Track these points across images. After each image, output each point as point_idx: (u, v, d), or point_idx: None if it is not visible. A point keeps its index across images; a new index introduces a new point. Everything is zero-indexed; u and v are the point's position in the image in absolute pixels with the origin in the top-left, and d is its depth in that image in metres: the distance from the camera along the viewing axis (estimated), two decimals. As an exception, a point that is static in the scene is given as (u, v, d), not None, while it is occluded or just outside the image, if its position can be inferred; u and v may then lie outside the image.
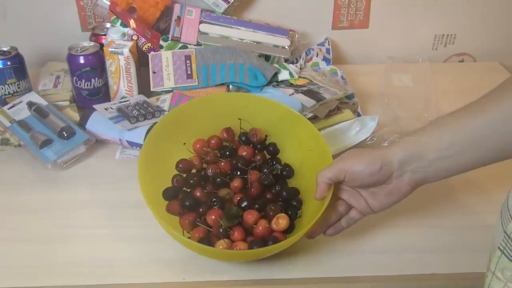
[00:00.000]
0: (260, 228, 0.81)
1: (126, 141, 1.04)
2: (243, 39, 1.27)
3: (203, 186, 0.90)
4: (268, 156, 0.97)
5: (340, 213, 0.80)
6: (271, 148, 0.97)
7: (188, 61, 1.18)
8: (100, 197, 0.98)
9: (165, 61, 1.16)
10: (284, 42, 1.31)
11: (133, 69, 1.11)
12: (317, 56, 1.36)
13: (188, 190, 0.90)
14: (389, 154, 0.72)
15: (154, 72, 1.14)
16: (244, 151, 0.95)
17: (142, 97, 1.11)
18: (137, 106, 1.05)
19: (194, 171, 0.93)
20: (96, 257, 0.86)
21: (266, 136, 0.96)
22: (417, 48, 1.49)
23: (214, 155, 0.95)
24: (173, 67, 1.14)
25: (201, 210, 0.85)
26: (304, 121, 0.93)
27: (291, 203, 0.90)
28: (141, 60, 1.16)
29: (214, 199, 0.85)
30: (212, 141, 0.95)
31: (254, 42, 1.27)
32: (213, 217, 0.82)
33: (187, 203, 0.85)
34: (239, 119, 0.94)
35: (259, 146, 0.97)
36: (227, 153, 0.95)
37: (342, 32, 1.46)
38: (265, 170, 0.90)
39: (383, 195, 0.75)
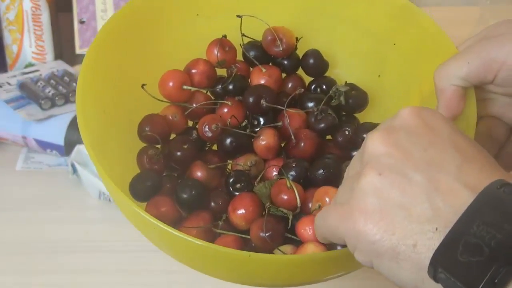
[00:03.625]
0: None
1: (35, 140, 0.86)
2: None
3: (202, 159, 0.59)
4: (308, 79, 0.67)
5: (498, 140, 0.60)
6: (311, 61, 0.65)
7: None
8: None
9: (101, 3, 1.02)
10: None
11: (45, 17, 0.96)
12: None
13: (175, 175, 0.59)
14: None
15: (82, 22, 0.99)
16: (263, 76, 0.63)
17: (61, 65, 0.95)
18: (52, 81, 0.90)
19: (173, 136, 0.62)
20: None
21: (297, 40, 0.65)
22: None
23: (205, 98, 0.63)
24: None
25: (213, 204, 0.57)
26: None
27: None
28: (59, 1, 0.99)
29: (232, 179, 0.57)
30: (195, 70, 0.63)
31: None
32: (244, 211, 0.53)
33: (186, 196, 0.55)
34: (238, 16, 0.62)
35: (286, 62, 0.65)
36: (231, 87, 0.62)
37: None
38: (310, 105, 0.60)
39: None
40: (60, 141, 0.81)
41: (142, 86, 0.58)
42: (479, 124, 0.57)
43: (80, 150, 0.76)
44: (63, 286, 0.69)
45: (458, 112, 0.53)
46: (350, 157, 0.59)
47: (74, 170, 0.75)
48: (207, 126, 0.58)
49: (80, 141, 0.77)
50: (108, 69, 0.58)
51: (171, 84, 0.60)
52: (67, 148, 0.77)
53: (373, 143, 0.38)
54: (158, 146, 0.58)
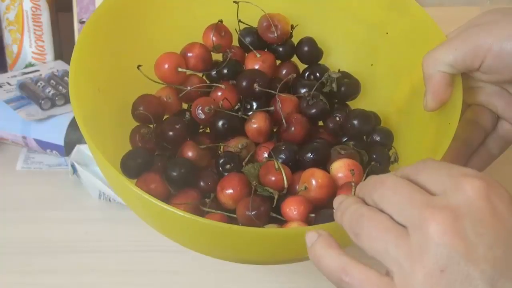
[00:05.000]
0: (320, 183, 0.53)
1: (35, 140, 0.84)
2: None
3: (194, 140, 0.59)
4: (303, 66, 0.67)
5: (484, 127, 0.59)
6: (305, 49, 0.65)
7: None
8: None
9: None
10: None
11: (45, 17, 0.94)
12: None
13: (167, 154, 0.59)
14: None
15: (82, 22, 0.96)
16: (257, 61, 0.62)
17: (61, 65, 0.94)
18: (52, 81, 0.88)
19: (166, 116, 0.61)
20: None
21: (292, 27, 0.64)
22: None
23: (200, 81, 0.63)
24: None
25: (202, 183, 0.56)
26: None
27: (373, 139, 0.61)
28: (59, 1, 0.98)
29: (223, 159, 0.57)
30: (191, 54, 0.62)
31: None
32: (231, 190, 0.53)
33: (175, 174, 0.55)
34: (234, 2, 0.62)
35: (281, 49, 0.64)
36: (225, 71, 0.62)
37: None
38: (303, 91, 0.60)
39: None
40: (60, 141, 0.79)
41: (138, 67, 0.57)
42: (466, 112, 0.57)
43: (80, 150, 0.74)
44: (63, 286, 0.67)
45: (445, 99, 0.53)
46: (340, 143, 0.59)
47: (74, 170, 0.73)
48: (200, 108, 0.57)
49: (80, 141, 0.75)
50: (104, 49, 0.58)
51: (166, 66, 0.59)
52: (67, 148, 0.76)
53: (437, 229, 0.34)
54: (151, 125, 0.57)
